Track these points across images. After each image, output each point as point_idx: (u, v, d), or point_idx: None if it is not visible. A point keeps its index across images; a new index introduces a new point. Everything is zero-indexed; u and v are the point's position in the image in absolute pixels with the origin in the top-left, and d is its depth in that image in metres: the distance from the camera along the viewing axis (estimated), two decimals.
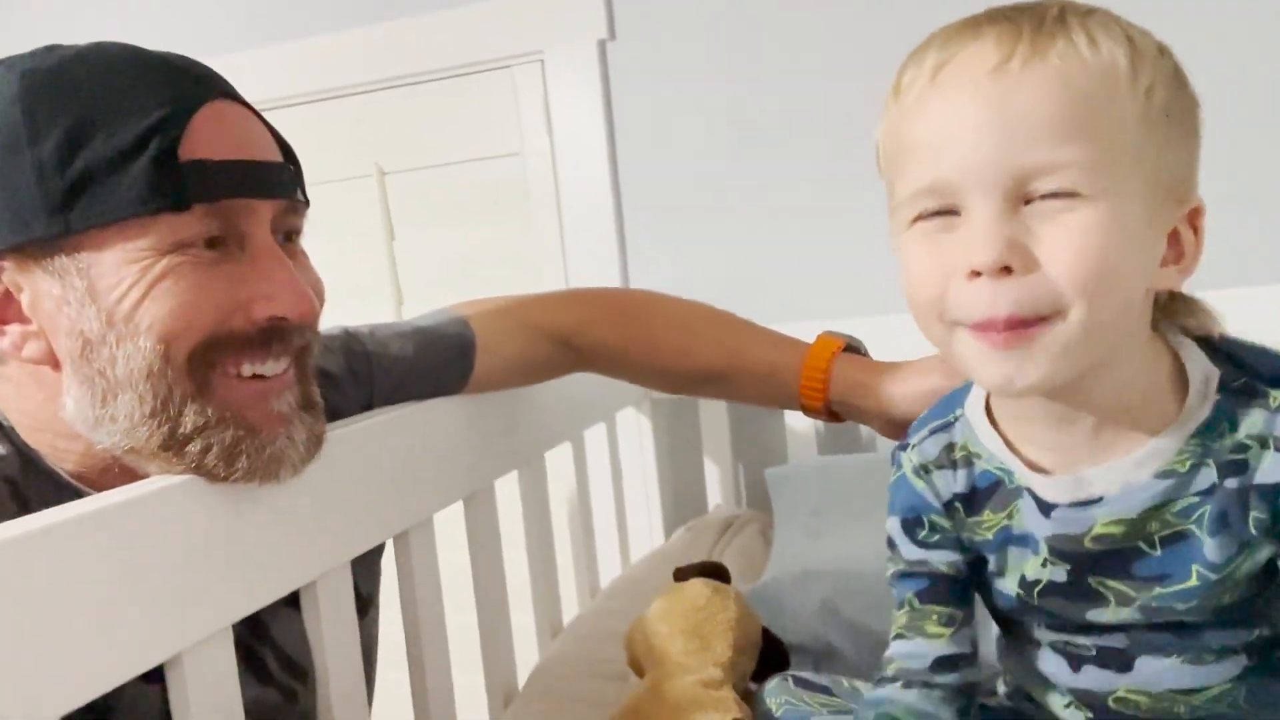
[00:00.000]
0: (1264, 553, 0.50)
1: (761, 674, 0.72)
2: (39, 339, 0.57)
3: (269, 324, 0.58)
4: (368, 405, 0.76)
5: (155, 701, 0.57)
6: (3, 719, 0.43)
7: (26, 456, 0.59)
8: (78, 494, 0.58)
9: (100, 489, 0.57)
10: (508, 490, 0.95)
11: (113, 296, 0.55)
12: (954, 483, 0.57)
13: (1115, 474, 0.51)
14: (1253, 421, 0.50)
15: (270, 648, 0.67)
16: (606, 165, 1.35)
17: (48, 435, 0.59)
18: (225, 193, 0.56)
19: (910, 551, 0.59)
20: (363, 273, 1.53)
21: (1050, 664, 0.59)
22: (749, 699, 0.69)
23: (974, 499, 0.57)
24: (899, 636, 0.58)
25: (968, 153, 0.47)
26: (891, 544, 0.60)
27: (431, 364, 0.80)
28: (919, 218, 0.50)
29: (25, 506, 0.55)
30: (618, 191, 1.37)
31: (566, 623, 1.05)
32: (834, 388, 0.79)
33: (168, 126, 0.54)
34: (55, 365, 0.57)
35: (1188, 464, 0.50)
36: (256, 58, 1.51)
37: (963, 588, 0.59)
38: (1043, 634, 0.59)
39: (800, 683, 0.67)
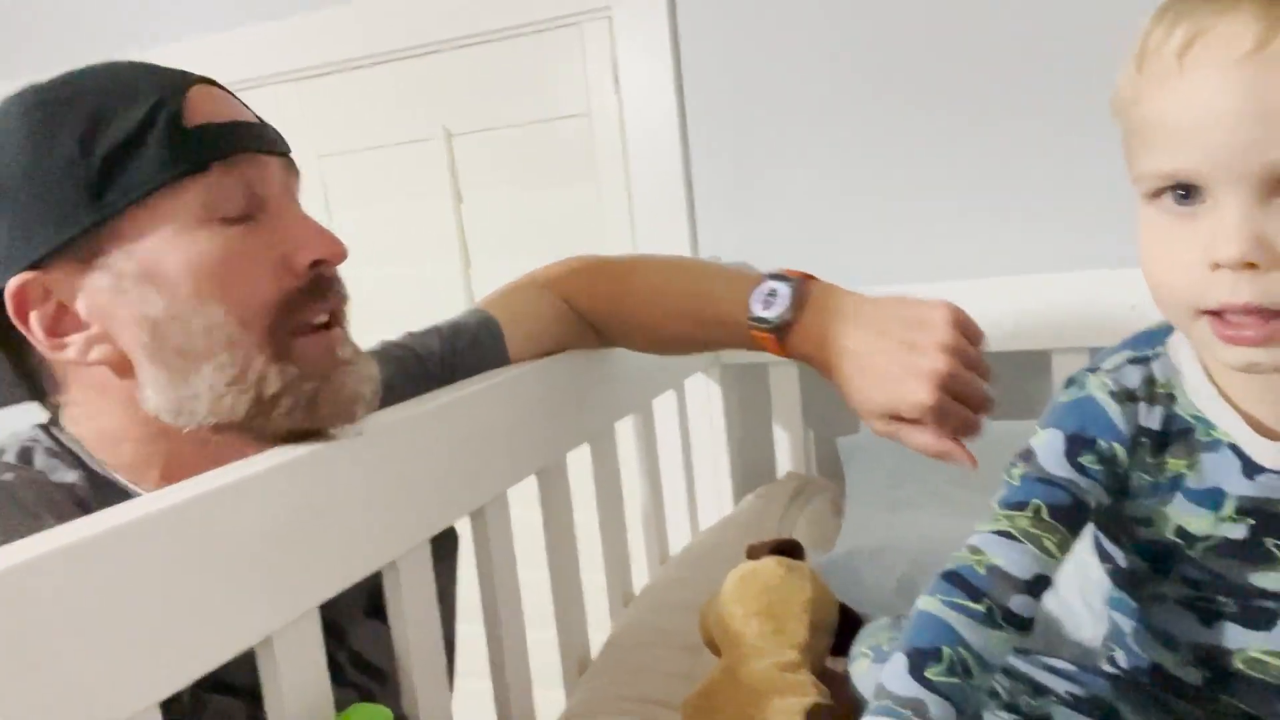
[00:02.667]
0: None
1: (841, 648, 0.71)
2: (103, 341, 0.58)
3: (313, 271, 0.60)
4: None
5: (238, 715, 0.59)
6: (103, 705, 0.45)
7: (98, 479, 0.61)
8: None
9: None
10: (579, 457, 0.95)
11: (169, 273, 0.56)
12: (1149, 417, 0.55)
13: None
14: None
15: (347, 653, 0.69)
16: (676, 125, 1.32)
17: (128, 446, 0.61)
18: (235, 148, 0.58)
19: (1059, 467, 0.55)
20: (430, 236, 1.54)
21: (1174, 619, 0.58)
22: (827, 677, 0.68)
23: (1164, 439, 0.55)
24: (1005, 535, 0.53)
25: (1216, 145, 0.44)
26: (1029, 454, 0.56)
27: (469, 349, 0.83)
28: (1158, 193, 0.48)
29: None
30: (687, 152, 1.34)
31: (637, 590, 1.06)
32: (788, 349, 0.77)
33: (168, 102, 0.57)
34: (121, 368, 0.59)
35: None
36: (323, 19, 1.50)
37: (1083, 526, 0.56)
38: (1173, 588, 0.57)
39: None
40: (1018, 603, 0.52)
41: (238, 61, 1.55)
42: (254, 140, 0.60)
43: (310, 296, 0.60)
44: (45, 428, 0.63)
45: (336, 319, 0.63)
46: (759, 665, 0.66)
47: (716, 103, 1.31)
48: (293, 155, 0.65)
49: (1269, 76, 0.43)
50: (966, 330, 0.72)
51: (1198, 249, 0.46)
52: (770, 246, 1.32)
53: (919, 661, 0.50)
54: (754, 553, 0.77)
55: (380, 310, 1.56)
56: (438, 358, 0.81)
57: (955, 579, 0.53)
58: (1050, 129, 1.16)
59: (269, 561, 0.55)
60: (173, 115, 0.57)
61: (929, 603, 0.53)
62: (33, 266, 0.56)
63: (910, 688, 0.50)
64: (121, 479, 0.61)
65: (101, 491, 0.60)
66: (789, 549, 0.77)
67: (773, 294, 0.77)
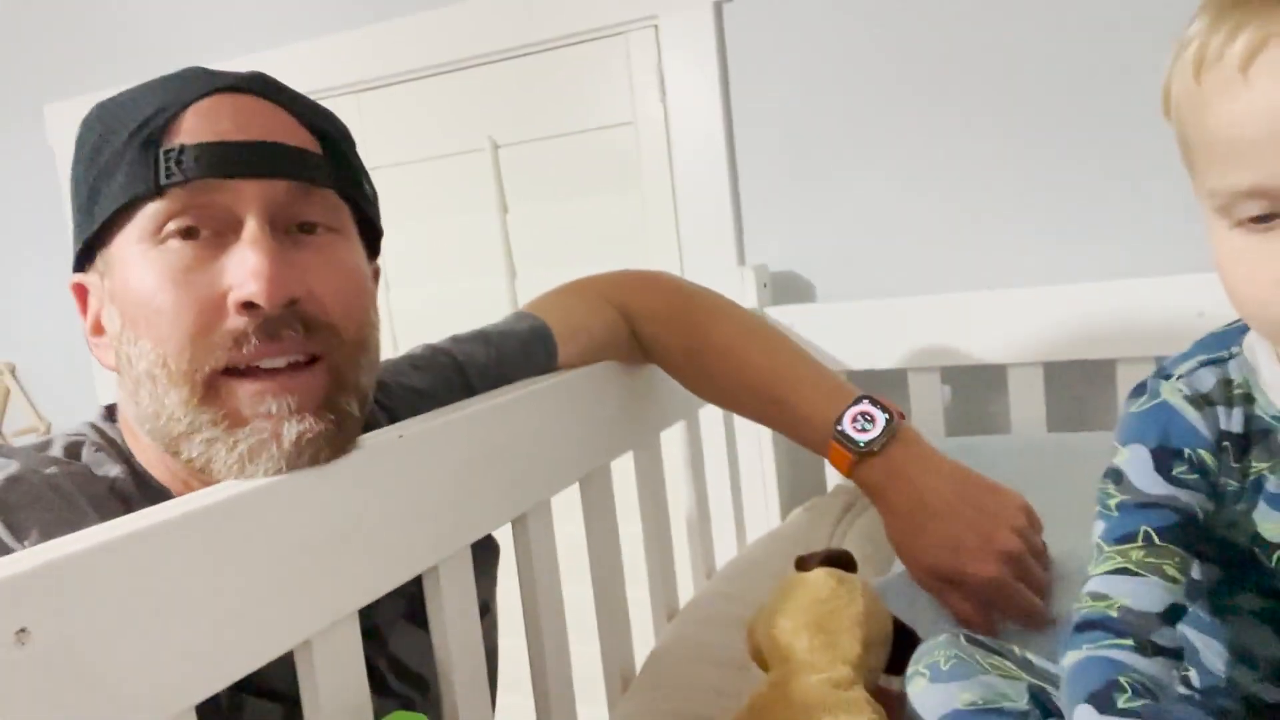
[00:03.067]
0: None
1: (897, 667, 0.69)
2: (110, 348, 0.59)
3: (248, 313, 0.54)
4: None
5: (276, 719, 0.58)
6: (139, 706, 0.44)
7: (141, 476, 0.61)
8: None
9: None
10: (623, 467, 0.94)
11: (121, 293, 0.57)
12: (1229, 420, 0.52)
13: None
14: None
15: (387, 659, 0.68)
16: (722, 135, 1.31)
17: (139, 442, 0.61)
18: (194, 173, 0.54)
19: (1154, 485, 0.52)
20: (476, 247, 1.54)
21: (1251, 633, 0.55)
22: (882, 696, 0.65)
23: (1246, 442, 0.52)
24: (1124, 572, 0.51)
25: None
26: (1118, 475, 0.54)
27: (516, 358, 0.81)
28: (1233, 212, 0.46)
29: None
30: (733, 162, 1.32)
31: (682, 604, 1.03)
32: (858, 474, 0.79)
33: (157, 119, 0.56)
34: None
35: None
36: (370, 34, 1.52)
37: (1198, 537, 0.53)
38: (1248, 600, 0.55)
39: (972, 640, 0.62)
40: (1162, 636, 0.49)
41: (300, 74, 1.57)
42: (230, 165, 0.55)
43: (238, 341, 0.54)
44: (95, 423, 0.64)
45: (320, 359, 0.57)
46: (811, 681, 0.63)
47: (763, 112, 1.30)
48: (309, 176, 0.58)
49: None
50: (1032, 519, 0.75)
51: (1278, 265, 0.44)
52: (817, 258, 1.30)
53: (1104, 702, 0.47)
54: (803, 564, 0.74)
55: (426, 322, 1.58)
56: (481, 366, 0.80)
57: (1090, 626, 0.50)
58: (1112, 135, 1.12)
59: (308, 564, 0.54)
60: (150, 135, 0.55)
61: (1076, 655, 0.50)
62: (78, 270, 0.61)
63: None
64: (154, 476, 0.61)
65: (144, 487, 0.60)
66: (840, 560, 0.74)
67: (869, 419, 0.78)
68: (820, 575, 0.71)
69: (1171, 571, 0.51)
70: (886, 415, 0.78)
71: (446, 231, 1.56)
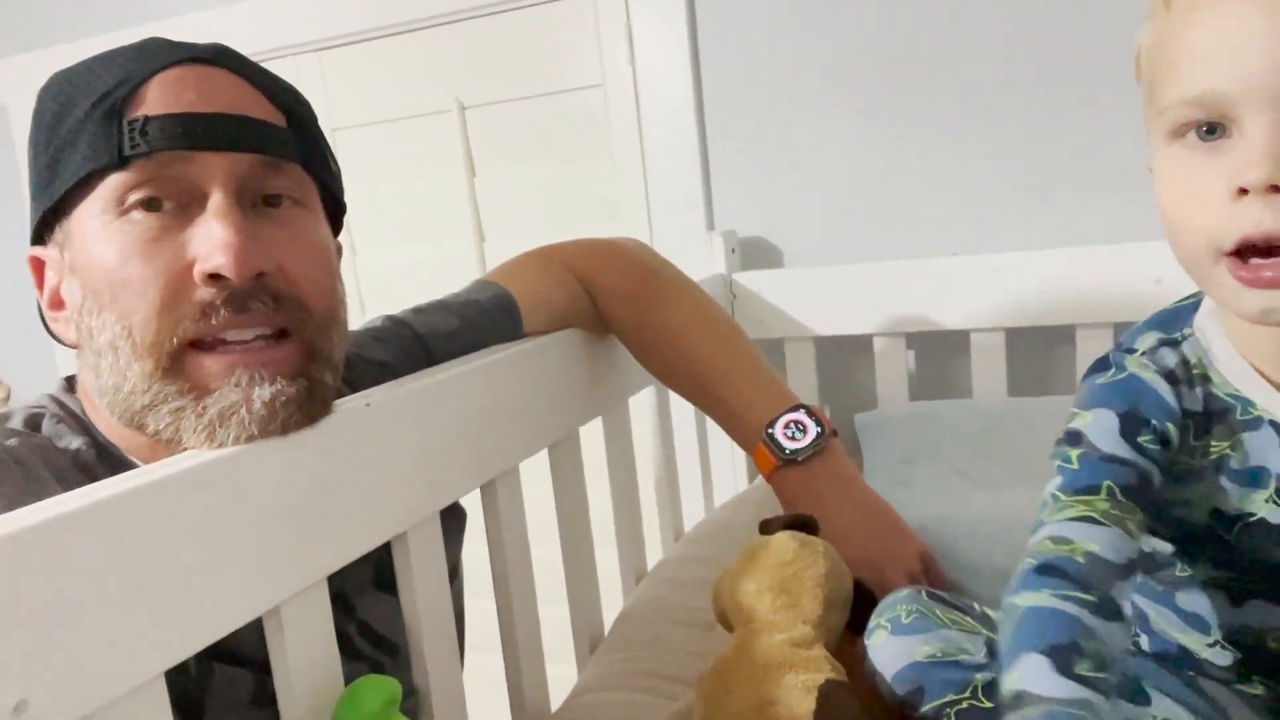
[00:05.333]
0: None
1: (856, 626, 0.71)
2: (71, 321, 0.59)
3: (215, 285, 0.54)
4: None
5: (247, 685, 0.59)
6: (113, 669, 0.45)
7: (102, 446, 0.60)
8: None
9: None
10: (592, 430, 0.94)
11: (83, 266, 0.56)
12: (1192, 400, 0.53)
13: None
14: None
15: (356, 625, 0.68)
16: (691, 99, 1.30)
17: (100, 415, 0.61)
18: (160, 144, 0.54)
19: (1117, 448, 0.52)
20: (443, 210, 1.52)
21: (1204, 600, 0.56)
22: (842, 654, 0.67)
23: (1207, 421, 0.53)
24: (1089, 520, 0.49)
25: (1247, 62, 0.43)
26: (1078, 436, 0.53)
27: (481, 327, 0.81)
28: (1182, 128, 0.47)
29: None
30: (702, 125, 1.32)
31: (650, 566, 1.05)
32: (776, 478, 0.81)
33: (119, 89, 0.55)
34: None
35: None
36: None
37: (1152, 508, 0.53)
38: (1203, 570, 0.56)
39: (933, 595, 0.62)
40: (1120, 592, 0.48)
41: (258, 32, 1.54)
42: (196, 137, 0.54)
43: (206, 313, 0.53)
44: (55, 395, 0.63)
45: (289, 334, 0.57)
46: (772, 641, 0.64)
47: (733, 75, 1.29)
48: (276, 150, 0.58)
49: None
50: (928, 566, 0.79)
51: (1222, 182, 0.45)
52: (785, 224, 1.30)
53: (1065, 659, 0.44)
54: (767, 527, 0.76)
55: (393, 285, 1.57)
56: (443, 336, 0.79)
57: (1053, 570, 0.48)
58: (1072, 102, 1.13)
59: (277, 532, 0.54)
60: (113, 106, 0.54)
61: (1038, 598, 0.47)
62: (36, 243, 0.60)
63: (1069, 689, 0.43)
64: (120, 448, 0.61)
65: (107, 459, 0.60)
66: (803, 524, 0.76)
67: (801, 428, 0.80)
68: (783, 538, 0.72)
69: (1131, 528, 0.50)
70: (819, 428, 0.80)
71: (413, 194, 1.54)
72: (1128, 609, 0.49)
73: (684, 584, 0.96)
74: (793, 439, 0.79)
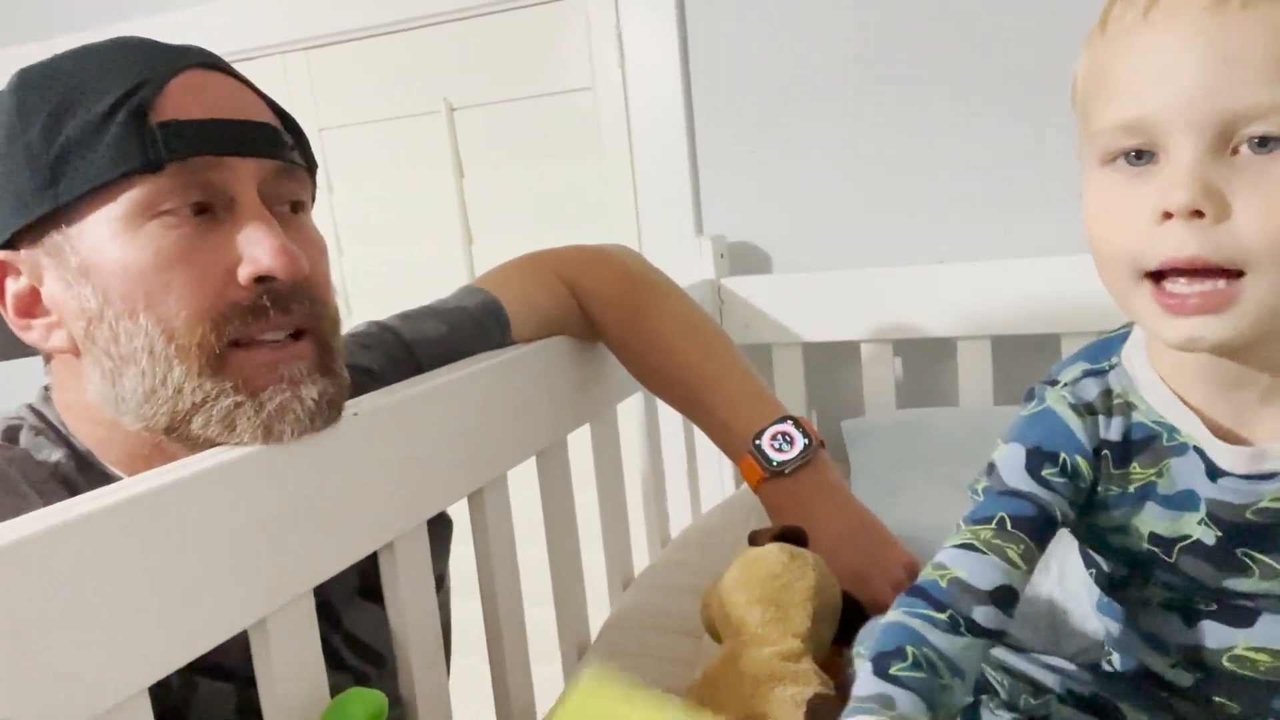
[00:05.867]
0: None
1: (845, 637, 0.71)
2: (60, 328, 0.57)
3: (260, 286, 0.56)
4: None
5: (230, 699, 0.58)
6: (96, 684, 0.44)
7: (82, 458, 0.59)
8: None
9: None
10: (580, 435, 0.94)
11: (105, 273, 0.54)
12: (1109, 430, 0.54)
13: None
14: None
15: (342, 635, 0.68)
16: (681, 103, 1.30)
17: (87, 425, 0.60)
18: (197, 149, 0.54)
19: (1020, 481, 0.54)
20: (431, 211, 1.52)
21: (1160, 622, 0.57)
22: (830, 666, 0.67)
23: (1126, 450, 0.54)
24: (967, 547, 0.52)
25: (1177, 90, 0.44)
26: (992, 468, 0.55)
27: (469, 334, 0.80)
28: (1112, 154, 0.48)
29: None
30: (692, 128, 1.32)
31: (637, 572, 1.05)
32: (763, 489, 0.81)
33: (140, 91, 0.54)
34: (78, 353, 0.58)
35: None
36: None
37: (1049, 538, 0.55)
38: (1156, 592, 0.57)
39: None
40: (981, 614, 0.50)
41: (243, 32, 1.53)
42: (225, 142, 0.56)
43: (254, 313, 0.56)
44: (34, 406, 0.62)
45: (305, 332, 0.59)
46: (761, 653, 0.65)
47: (723, 78, 1.29)
48: (297, 160, 0.61)
49: (1230, 27, 0.43)
50: (914, 578, 0.79)
51: (1148, 205, 0.46)
52: (774, 229, 1.31)
53: (883, 662, 0.49)
54: (757, 539, 0.76)
55: (380, 286, 1.56)
56: (430, 343, 0.78)
57: (918, 592, 0.52)
58: (1061, 112, 1.13)
59: (263, 543, 0.54)
60: (138, 107, 0.54)
61: (892, 615, 0.52)
62: (5, 246, 0.57)
63: (876, 685, 0.48)
64: (99, 459, 0.60)
65: (86, 471, 0.59)
66: (793, 536, 0.76)
67: (788, 439, 0.80)
68: (773, 550, 0.72)
69: (1013, 556, 0.52)
70: (806, 440, 0.80)
71: (401, 194, 1.54)
72: (995, 627, 0.51)
73: (672, 590, 0.95)
74: (780, 450, 0.79)
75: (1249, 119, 0.43)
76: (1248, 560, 0.52)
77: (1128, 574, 0.58)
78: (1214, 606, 0.55)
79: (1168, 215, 0.45)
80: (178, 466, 0.51)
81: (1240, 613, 0.54)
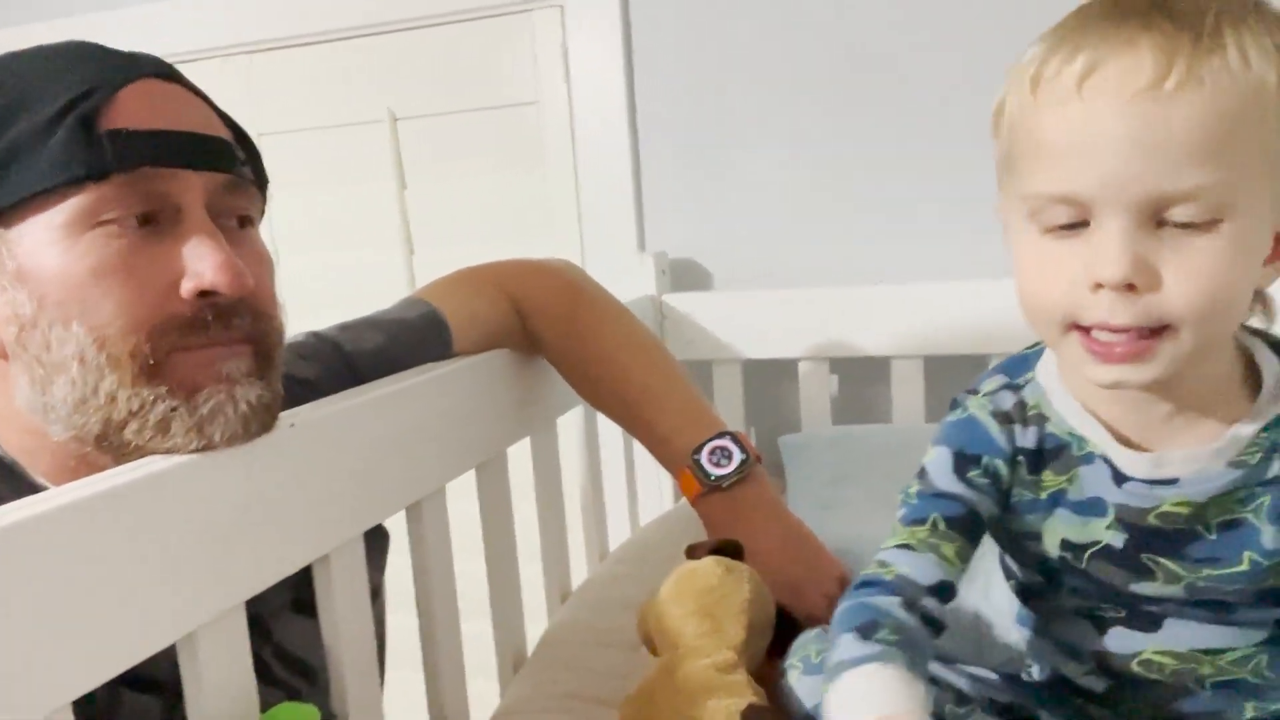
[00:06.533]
0: None
1: (778, 649, 0.72)
2: None
3: (202, 301, 0.55)
4: None
5: (156, 713, 0.57)
6: (19, 699, 0.43)
7: (8, 468, 0.58)
8: None
9: None
10: (520, 448, 0.94)
11: (40, 279, 0.53)
12: (1025, 438, 0.58)
13: (1194, 460, 0.53)
14: None
15: (273, 649, 0.67)
16: (625, 120, 1.32)
17: (14, 435, 0.58)
18: (144, 160, 0.54)
19: (949, 484, 0.58)
20: (373, 221, 1.50)
21: (1072, 630, 0.60)
22: (763, 677, 0.68)
23: (1039, 458, 0.58)
24: (905, 547, 0.56)
25: (1108, 170, 0.47)
26: (923, 472, 0.59)
27: (410, 346, 0.80)
28: (1044, 222, 0.50)
29: None
30: (635, 145, 1.33)
31: (575, 585, 1.05)
32: (701, 503, 0.83)
33: (89, 98, 0.53)
34: (7, 358, 0.56)
35: (1257, 456, 0.53)
36: None
37: (980, 535, 0.59)
38: (1069, 600, 0.60)
39: None
40: (927, 604, 0.55)
41: (186, 32, 1.50)
42: (173, 154, 0.55)
43: (194, 326, 0.55)
44: None
45: (248, 344, 0.58)
46: (696, 665, 0.65)
47: (667, 96, 1.31)
48: (247, 174, 0.61)
49: (1160, 113, 0.45)
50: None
51: (1080, 268, 0.49)
52: (716, 247, 1.33)
53: (867, 631, 0.52)
54: (694, 553, 0.77)
55: (318, 295, 1.54)
56: (369, 354, 0.78)
57: (866, 584, 0.56)
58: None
59: (195, 555, 0.53)
60: (86, 115, 0.53)
61: (848, 602, 0.55)
62: None
63: (865, 647, 0.51)
64: (26, 469, 0.58)
65: (9, 479, 0.57)
66: (729, 549, 0.77)
67: (726, 454, 0.82)
68: (709, 564, 0.73)
69: (948, 553, 0.56)
70: (744, 455, 0.81)
71: (341, 203, 1.52)
72: (937, 618, 0.55)
73: (609, 604, 0.96)
74: (718, 465, 0.81)
75: (1175, 200, 0.46)
76: (1152, 565, 0.55)
77: (1043, 582, 0.61)
78: (1123, 613, 0.58)
79: (1100, 285, 0.48)
80: (107, 476, 0.50)
81: (1147, 618, 0.58)
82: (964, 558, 0.57)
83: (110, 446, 0.55)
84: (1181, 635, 0.57)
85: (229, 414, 0.55)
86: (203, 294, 0.55)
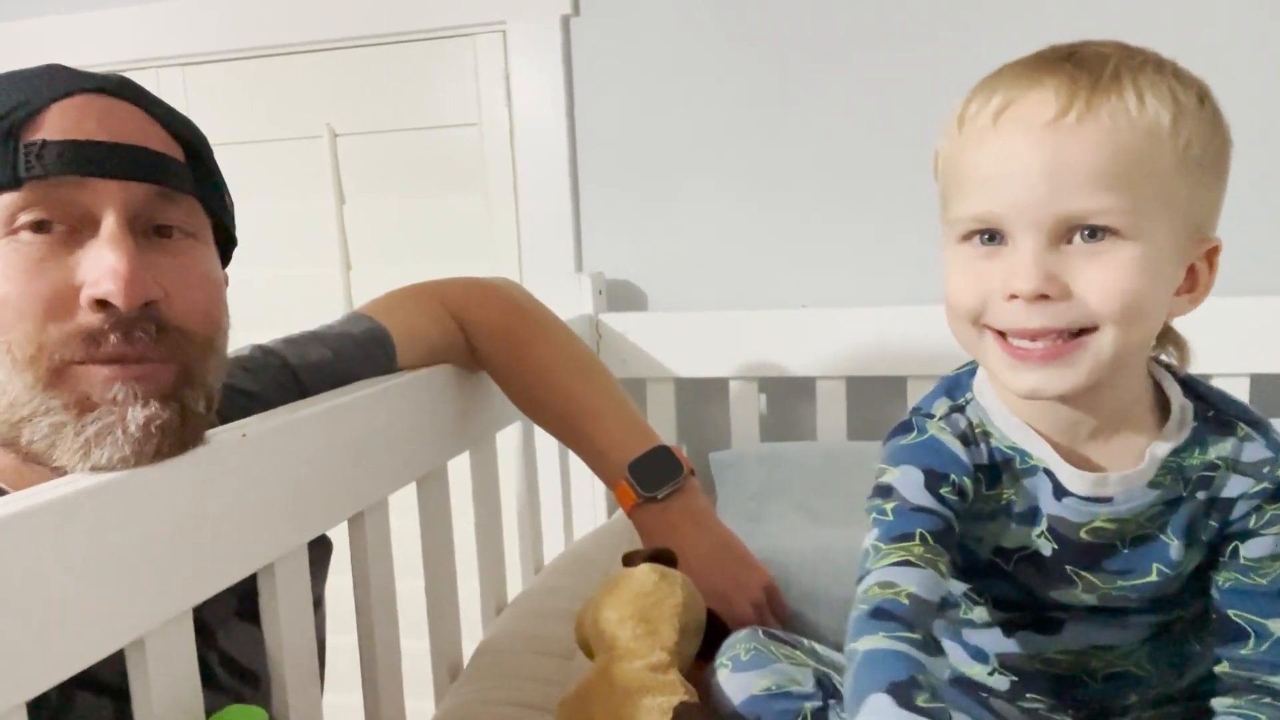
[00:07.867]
0: (1203, 555, 0.59)
1: (708, 651, 0.76)
2: None
3: (104, 311, 0.54)
4: None
5: (107, 714, 0.58)
6: None
7: None
8: None
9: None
10: (459, 463, 0.96)
11: None
12: (979, 455, 0.62)
13: (1126, 480, 0.58)
14: (1222, 447, 0.58)
15: (218, 655, 0.68)
16: (565, 144, 1.35)
17: None
18: (59, 170, 0.54)
19: (924, 499, 0.59)
20: (310, 236, 1.51)
21: (984, 636, 0.65)
22: (693, 677, 0.72)
23: (994, 474, 0.62)
24: (908, 564, 0.56)
25: (1018, 194, 0.52)
26: (889, 490, 0.60)
27: (354, 359, 0.82)
28: (968, 236, 0.56)
29: None
30: (575, 169, 1.37)
31: (511, 597, 1.07)
32: (637, 514, 0.86)
33: (17, 113, 0.55)
34: None
35: (1168, 478, 0.58)
36: (203, 4, 1.46)
37: (954, 548, 0.61)
38: (980, 612, 0.65)
39: (768, 634, 0.70)
40: (935, 628, 0.58)
41: (123, 42, 1.49)
42: (92, 163, 0.55)
43: (93, 337, 0.54)
44: None
45: (158, 360, 0.57)
46: (631, 666, 0.69)
47: (606, 125, 1.35)
48: (171, 183, 0.59)
49: (1063, 143, 0.51)
50: (772, 597, 0.85)
51: (998, 280, 0.54)
52: (651, 269, 1.37)
53: (905, 693, 0.49)
54: (630, 560, 0.80)
55: (255, 309, 1.53)
56: (313, 367, 0.79)
57: (883, 614, 0.54)
58: (920, 174, 1.25)
59: (143, 562, 0.54)
60: (11, 127, 0.54)
61: (875, 641, 0.52)
62: None
63: (904, 717, 0.48)
64: None
65: None
66: (663, 557, 0.80)
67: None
68: (644, 570, 0.77)
69: (942, 568, 0.57)
70: (678, 469, 0.86)
71: (279, 217, 1.52)
72: (938, 639, 0.59)
73: (544, 615, 0.98)
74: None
75: (1079, 220, 0.52)
76: (1075, 576, 0.60)
77: (962, 590, 0.66)
78: (1031, 619, 0.63)
79: (1014, 296, 0.53)
80: (55, 486, 0.51)
81: (1051, 623, 0.63)
82: (949, 573, 0.59)
83: (17, 449, 0.55)
84: (1080, 636, 0.63)
85: (118, 436, 0.54)
86: (103, 304, 0.54)
